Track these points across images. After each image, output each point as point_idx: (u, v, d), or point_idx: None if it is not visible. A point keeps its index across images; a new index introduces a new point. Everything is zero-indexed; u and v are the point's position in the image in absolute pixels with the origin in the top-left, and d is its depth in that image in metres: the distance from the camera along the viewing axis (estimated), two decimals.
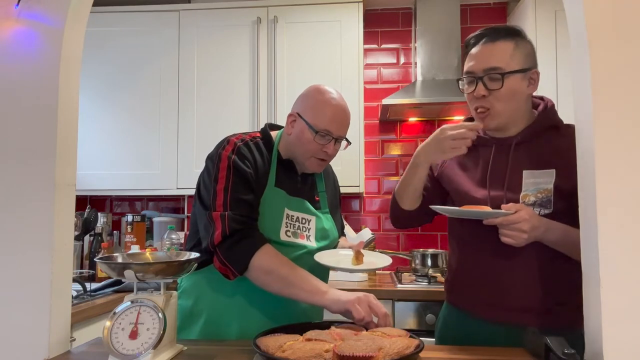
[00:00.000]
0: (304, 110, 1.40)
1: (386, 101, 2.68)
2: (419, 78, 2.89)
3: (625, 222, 0.95)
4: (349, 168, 2.66)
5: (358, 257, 1.37)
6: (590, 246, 0.98)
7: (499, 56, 1.28)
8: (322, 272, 1.44)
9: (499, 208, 1.24)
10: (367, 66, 3.12)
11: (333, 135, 1.38)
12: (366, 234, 2.65)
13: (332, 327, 1.17)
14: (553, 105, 1.37)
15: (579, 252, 1.09)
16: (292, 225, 1.39)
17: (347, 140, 1.43)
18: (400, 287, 2.39)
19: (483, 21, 3.09)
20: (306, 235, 1.41)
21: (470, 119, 1.45)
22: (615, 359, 0.93)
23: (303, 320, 1.27)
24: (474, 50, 1.34)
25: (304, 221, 1.42)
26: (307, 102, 1.41)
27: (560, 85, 2.58)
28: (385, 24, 3.16)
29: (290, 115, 1.43)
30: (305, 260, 1.36)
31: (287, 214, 1.39)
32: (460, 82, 1.37)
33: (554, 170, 1.26)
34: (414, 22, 3.09)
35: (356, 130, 2.72)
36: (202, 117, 2.82)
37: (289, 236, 1.37)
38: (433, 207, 1.30)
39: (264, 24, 2.81)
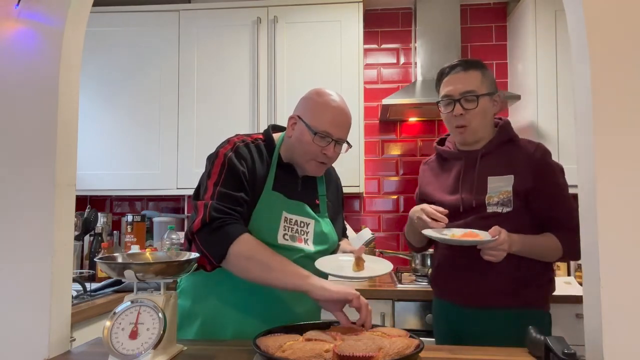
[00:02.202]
0: (304, 112, 1.40)
1: (386, 101, 2.68)
2: (419, 78, 2.89)
3: (625, 222, 0.95)
4: (349, 168, 2.66)
5: (359, 263, 1.35)
6: (591, 246, 0.98)
7: (472, 81, 1.55)
8: (321, 277, 1.44)
9: (469, 208, 1.53)
10: (367, 66, 3.12)
11: (333, 137, 1.37)
12: (366, 234, 2.65)
13: (332, 327, 1.17)
14: (509, 123, 1.64)
15: (538, 255, 1.48)
16: (290, 229, 1.38)
17: (348, 143, 1.42)
18: (400, 287, 2.38)
19: (483, 21, 3.09)
20: (304, 239, 1.40)
21: (442, 141, 1.76)
22: (615, 359, 0.93)
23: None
24: (448, 78, 1.59)
25: (302, 225, 1.41)
26: (307, 104, 1.41)
27: (560, 85, 2.58)
28: (385, 24, 3.16)
29: (291, 118, 1.42)
30: (303, 264, 1.34)
31: (286, 217, 1.38)
32: (439, 104, 1.62)
33: (512, 175, 1.51)
34: (414, 22, 3.09)
35: (356, 130, 2.72)
36: (202, 117, 2.82)
37: (287, 239, 1.37)
38: (426, 233, 1.47)
39: (264, 24, 2.81)
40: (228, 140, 1.42)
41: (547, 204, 1.49)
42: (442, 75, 1.63)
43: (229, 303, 1.35)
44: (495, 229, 1.40)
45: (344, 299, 1.20)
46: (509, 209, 1.49)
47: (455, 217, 1.52)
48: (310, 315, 1.41)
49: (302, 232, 1.40)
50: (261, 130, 1.58)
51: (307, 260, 1.35)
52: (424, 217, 1.48)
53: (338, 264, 1.38)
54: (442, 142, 1.77)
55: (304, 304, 1.39)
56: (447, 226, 1.48)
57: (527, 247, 1.46)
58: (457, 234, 1.43)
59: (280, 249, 1.34)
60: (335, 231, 1.51)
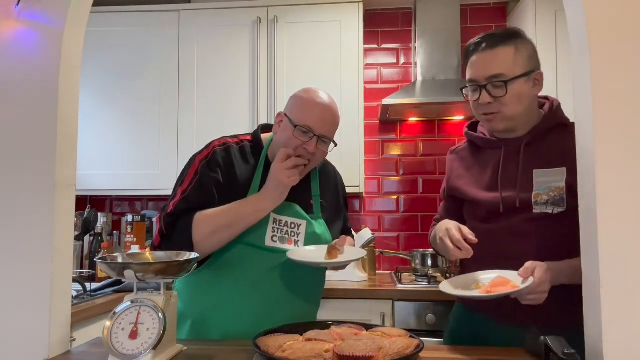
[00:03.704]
0: (290, 109, 1.39)
1: (386, 101, 2.68)
2: (419, 78, 2.89)
3: (625, 222, 0.95)
4: (349, 168, 2.66)
5: (331, 252, 1.33)
6: (590, 246, 0.98)
7: (501, 62, 1.28)
8: (316, 273, 1.43)
9: (512, 208, 1.28)
10: (367, 66, 3.12)
11: (314, 132, 1.34)
12: (366, 234, 2.65)
13: (332, 327, 1.17)
14: (559, 105, 1.38)
15: None
16: (279, 230, 1.37)
17: (333, 142, 1.40)
18: (400, 287, 2.39)
19: (483, 21, 3.09)
20: (294, 240, 1.39)
21: (473, 126, 1.49)
22: (615, 359, 0.93)
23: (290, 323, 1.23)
24: (474, 58, 1.33)
25: (293, 226, 1.39)
26: (293, 101, 1.41)
27: (560, 85, 2.58)
28: (385, 24, 3.16)
29: (278, 116, 1.42)
30: (291, 265, 1.34)
31: (275, 219, 1.37)
32: (463, 90, 1.37)
33: (565, 168, 1.27)
34: (414, 22, 3.09)
35: (356, 130, 2.72)
36: (202, 117, 2.81)
37: (275, 241, 1.36)
38: (445, 290, 1.22)
39: (264, 24, 2.81)
40: (208, 145, 1.42)
41: None
42: (467, 54, 1.36)
43: (217, 304, 1.35)
44: (526, 269, 1.15)
45: (290, 183, 1.30)
46: (561, 209, 1.25)
47: (495, 218, 1.32)
48: (302, 316, 1.38)
49: (293, 234, 1.39)
50: None
51: (295, 262, 1.34)
52: (448, 242, 1.25)
53: (311, 254, 1.35)
54: (473, 126, 1.50)
55: (295, 305, 1.38)
56: (486, 230, 1.29)
57: (576, 276, 1.11)
58: (483, 282, 1.22)
59: (267, 251, 1.34)
60: (332, 232, 1.49)
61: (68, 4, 1.19)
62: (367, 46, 3.08)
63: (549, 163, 1.29)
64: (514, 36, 1.31)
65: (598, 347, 0.95)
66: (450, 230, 1.25)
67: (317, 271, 1.43)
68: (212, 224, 1.29)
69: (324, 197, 1.50)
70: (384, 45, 3.15)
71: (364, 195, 3.07)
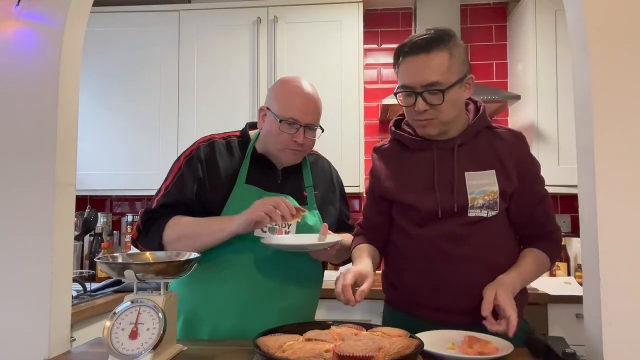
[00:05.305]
0: (271, 101, 1.40)
1: (386, 101, 2.68)
2: None
3: (625, 222, 0.95)
4: (349, 168, 2.66)
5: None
6: (591, 246, 0.98)
7: (437, 69, 1.24)
8: (308, 264, 1.42)
9: (450, 212, 1.27)
10: (367, 66, 3.12)
11: (300, 122, 1.35)
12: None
13: (332, 327, 1.17)
14: (484, 106, 1.38)
15: (532, 280, 1.30)
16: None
17: (320, 127, 1.41)
18: None
19: (483, 21, 3.09)
20: (285, 231, 1.39)
21: (398, 123, 1.46)
22: (615, 359, 0.93)
23: (277, 321, 1.21)
24: (408, 62, 1.27)
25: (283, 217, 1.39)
26: (273, 93, 1.42)
27: (560, 85, 2.58)
28: (385, 24, 3.16)
29: (260, 110, 1.43)
30: (281, 256, 1.34)
31: None
32: (397, 94, 1.33)
33: (493, 170, 1.28)
34: (414, 22, 3.09)
35: (356, 130, 2.72)
36: (202, 117, 2.82)
37: (265, 231, 1.35)
38: (442, 354, 1.05)
39: (264, 24, 2.81)
40: (194, 143, 1.45)
41: (530, 206, 1.31)
42: (399, 56, 1.29)
43: (206, 298, 1.36)
44: (488, 303, 1.13)
45: (253, 220, 1.24)
46: (494, 213, 1.27)
47: (432, 223, 1.29)
48: (295, 308, 1.38)
49: (283, 225, 1.38)
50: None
51: (286, 253, 1.34)
52: (338, 285, 1.19)
53: (288, 240, 1.33)
54: (398, 124, 1.46)
55: (286, 297, 1.37)
56: (420, 233, 1.29)
57: (526, 281, 1.27)
58: (453, 340, 1.12)
59: (255, 242, 1.33)
60: (324, 221, 1.45)
61: (68, 4, 1.19)
62: (367, 46, 3.08)
63: (480, 165, 1.30)
64: (448, 39, 1.26)
65: (598, 347, 0.95)
66: (347, 274, 1.19)
67: (309, 262, 1.42)
68: (179, 231, 1.32)
69: (317, 189, 1.50)
70: (384, 45, 3.15)
71: (364, 195, 3.07)
